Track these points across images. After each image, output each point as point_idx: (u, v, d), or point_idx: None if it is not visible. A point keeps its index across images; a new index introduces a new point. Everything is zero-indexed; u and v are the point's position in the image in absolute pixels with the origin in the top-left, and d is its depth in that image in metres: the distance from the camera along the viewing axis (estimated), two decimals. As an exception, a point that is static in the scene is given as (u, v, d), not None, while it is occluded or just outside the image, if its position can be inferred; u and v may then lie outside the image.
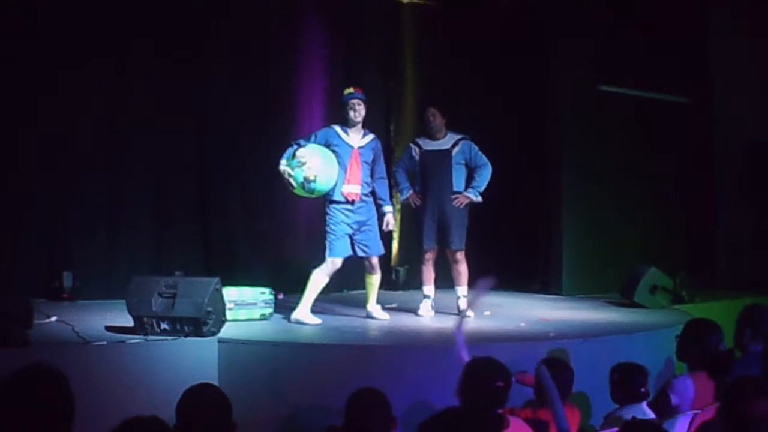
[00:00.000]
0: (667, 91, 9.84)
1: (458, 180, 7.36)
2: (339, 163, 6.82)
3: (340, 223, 6.83)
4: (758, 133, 9.98)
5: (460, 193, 7.32)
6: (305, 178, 6.67)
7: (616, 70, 9.33)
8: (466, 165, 7.38)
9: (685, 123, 10.02)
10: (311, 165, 6.68)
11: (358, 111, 6.88)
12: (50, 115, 7.56)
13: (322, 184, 6.72)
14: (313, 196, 6.84)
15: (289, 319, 6.82)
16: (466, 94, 9.32)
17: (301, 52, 8.88)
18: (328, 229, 6.84)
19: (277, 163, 6.77)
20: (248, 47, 8.39)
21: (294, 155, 6.73)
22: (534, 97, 9.44)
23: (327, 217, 6.87)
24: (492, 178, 7.38)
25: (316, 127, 7.83)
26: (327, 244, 6.83)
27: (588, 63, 9.21)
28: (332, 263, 6.83)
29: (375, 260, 7.02)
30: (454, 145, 7.36)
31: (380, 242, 7.04)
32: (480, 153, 7.39)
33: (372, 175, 6.98)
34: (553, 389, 4.18)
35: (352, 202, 6.84)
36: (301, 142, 6.88)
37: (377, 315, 7.12)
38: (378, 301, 7.19)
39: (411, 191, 7.44)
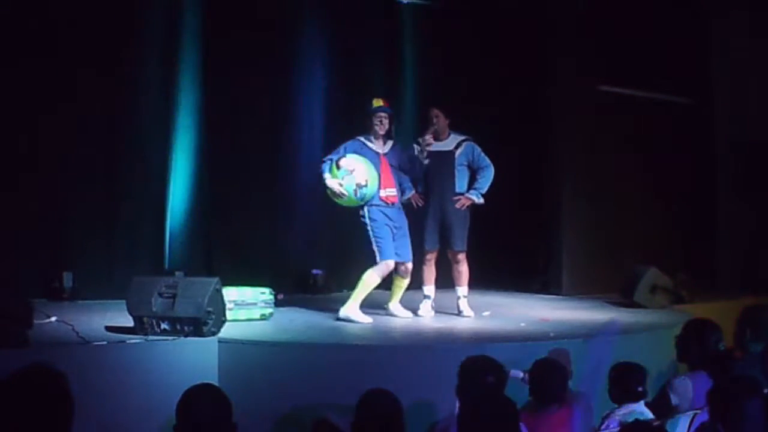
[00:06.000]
0: (667, 91, 9.84)
1: (461, 181, 7.34)
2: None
3: (383, 225, 6.91)
4: (758, 133, 9.97)
5: (462, 194, 7.31)
6: (357, 185, 6.76)
7: (616, 70, 9.33)
8: (469, 166, 7.37)
9: (685, 123, 10.02)
10: (359, 172, 6.77)
11: (384, 124, 7.00)
12: (50, 115, 7.55)
13: (372, 187, 6.83)
14: (363, 203, 6.89)
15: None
16: (466, 94, 9.31)
17: (301, 53, 8.88)
18: (373, 233, 6.89)
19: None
20: (248, 47, 8.38)
21: (338, 166, 6.78)
22: (534, 97, 9.44)
23: (369, 222, 6.91)
24: (493, 179, 7.38)
25: (316, 127, 7.84)
26: (376, 248, 6.89)
27: (588, 63, 9.21)
28: (386, 265, 6.91)
29: (410, 265, 7.09)
30: (457, 147, 7.34)
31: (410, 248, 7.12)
32: (483, 155, 7.37)
33: (406, 167, 7.18)
34: None
35: (392, 204, 6.95)
36: (333, 156, 6.91)
37: (400, 314, 7.18)
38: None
39: (413, 191, 7.43)
